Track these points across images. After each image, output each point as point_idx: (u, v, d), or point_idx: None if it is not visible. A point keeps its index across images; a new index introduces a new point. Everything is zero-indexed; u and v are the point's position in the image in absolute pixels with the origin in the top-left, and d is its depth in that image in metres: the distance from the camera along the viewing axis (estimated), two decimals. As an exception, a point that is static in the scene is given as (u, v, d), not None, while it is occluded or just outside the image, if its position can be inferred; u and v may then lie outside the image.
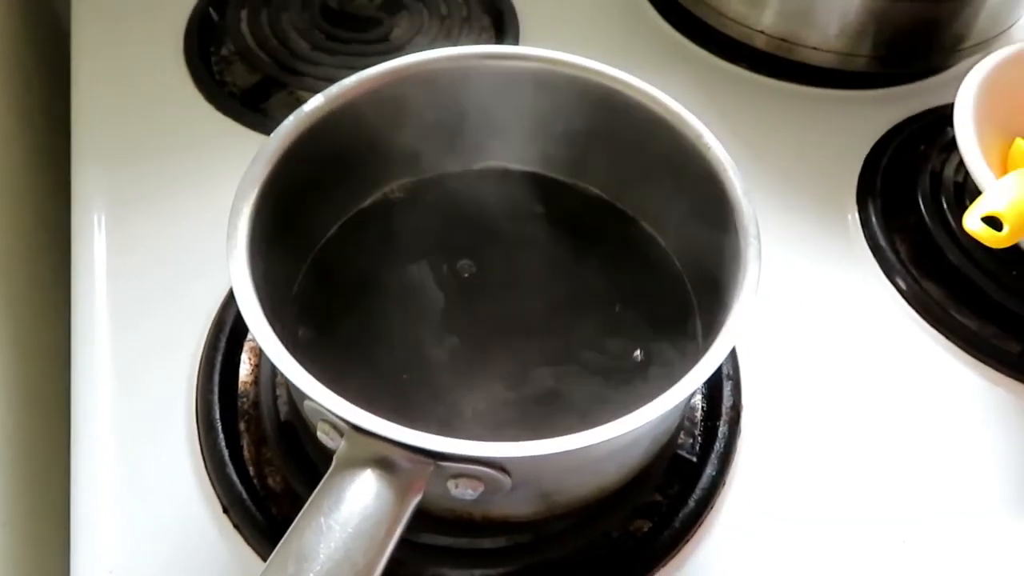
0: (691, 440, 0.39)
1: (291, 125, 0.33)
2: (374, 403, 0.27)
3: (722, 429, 0.39)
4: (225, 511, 0.36)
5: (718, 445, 0.38)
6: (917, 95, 0.54)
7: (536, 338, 0.36)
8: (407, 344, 0.36)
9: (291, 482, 0.37)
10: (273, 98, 0.52)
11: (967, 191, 0.48)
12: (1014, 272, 0.44)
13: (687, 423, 0.40)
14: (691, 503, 0.37)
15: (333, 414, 0.26)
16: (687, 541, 0.36)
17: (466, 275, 0.38)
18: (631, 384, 0.34)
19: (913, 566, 0.37)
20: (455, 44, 0.55)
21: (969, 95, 0.44)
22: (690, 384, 0.28)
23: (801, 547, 0.37)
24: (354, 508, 0.25)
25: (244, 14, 0.56)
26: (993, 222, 0.39)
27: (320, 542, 0.24)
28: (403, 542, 0.33)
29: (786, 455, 0.39)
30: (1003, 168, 0.46)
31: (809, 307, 0.45)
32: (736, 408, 0.40)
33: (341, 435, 0.27)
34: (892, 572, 0.36)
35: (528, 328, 0.37)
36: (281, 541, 0.25)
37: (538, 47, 0.37)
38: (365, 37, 0.55)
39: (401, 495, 0.26)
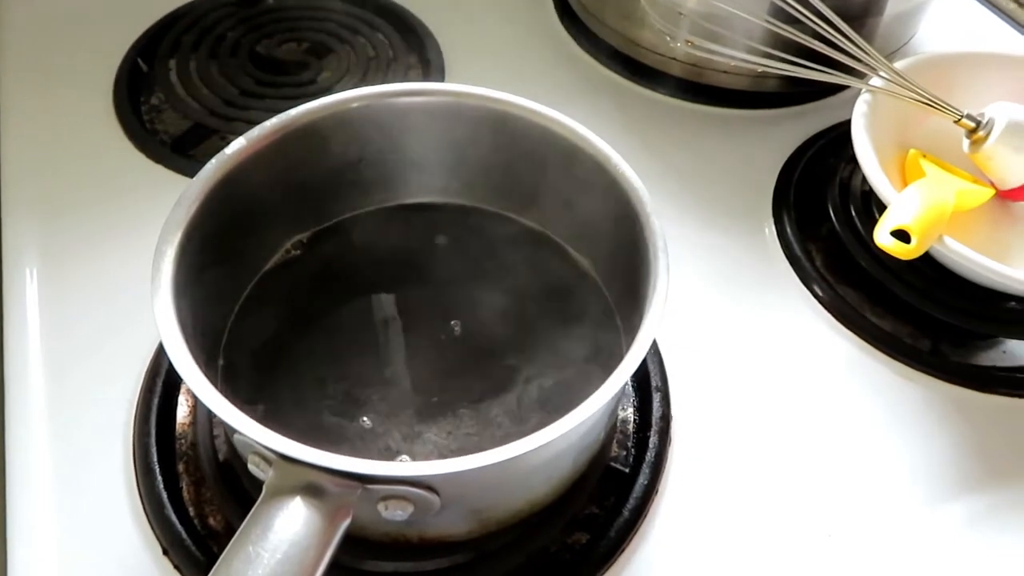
0: (624, 452, 0.41)
1: (213, 168, 0.34)
2: (305, 434, 0.28)
3: (653, 439, 0.40)
4: (165, 552, 0.36)
5: (649, 455, 0.40)
6: (824, 111, 0.58)
7: (463, 362, 0.37)
8: (338, 375, 0.37)
9: (231, 521, 0.37)
10: (204, 144, 0.53)
11: (874, 200, 0.51)
12: (922, 274, 0.47)
13: (620, 436, 0.41)
14: (625, 512, 0.38)
15: (260, 445, 0.27)
16: (623, 550, 0.37)
17: (394, 305, 0.39)
18: (558, 402, 0.36)
19: (840, 558, 0.38)
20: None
21: (862, 113, 0.47)
22: (597, 401, 0.29)
23: (733, 546, 0.38)
24: (283, 535, 0.26)
25: (173, 63, 0.57)
26: (902, 235, 0.41)
27: (248, 570, 0.25)
28: (348, 571, 0.34)
29: (714, 459, 0.41)
30: (902, 177, 0.49)
31: (732, 317, 0.47)
32: (665, 418, 0.41)
33: (270, 465, 0.27)
34: (820, 564, 0.38)
35: (456, 352, 0.38)
36: (210, 573, 0.25)
37: (463, 82, 0.39)
38: (294, 81, 0.56)
39: (330, 520, 0.26)
